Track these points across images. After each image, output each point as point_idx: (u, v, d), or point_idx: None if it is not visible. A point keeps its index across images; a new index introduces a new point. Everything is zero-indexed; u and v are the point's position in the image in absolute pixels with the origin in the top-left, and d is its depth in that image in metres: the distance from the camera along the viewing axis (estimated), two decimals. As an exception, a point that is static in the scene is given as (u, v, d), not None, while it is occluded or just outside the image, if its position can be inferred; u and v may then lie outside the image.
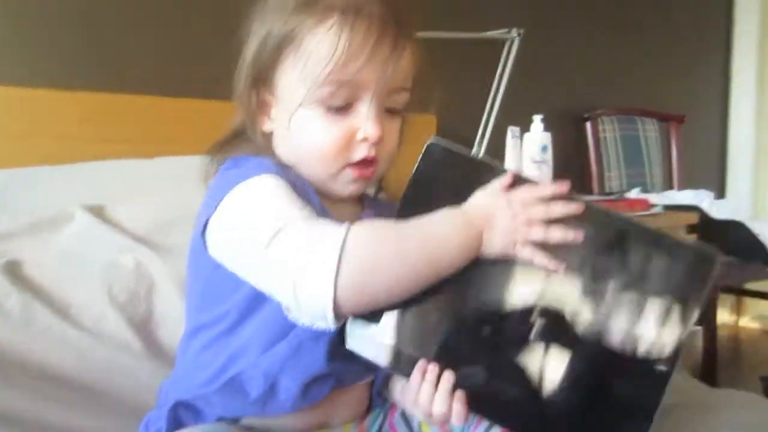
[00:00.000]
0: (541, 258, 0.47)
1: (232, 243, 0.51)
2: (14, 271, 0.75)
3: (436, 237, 0.48)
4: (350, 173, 0.56)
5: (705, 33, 2.49)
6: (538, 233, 0.47)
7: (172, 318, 0.79)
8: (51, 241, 0.84)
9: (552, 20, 1.99)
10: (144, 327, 0.77)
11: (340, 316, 0.46)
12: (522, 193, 0.49)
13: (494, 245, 0.48)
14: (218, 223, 0.52)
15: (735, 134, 2.56)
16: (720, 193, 2.53)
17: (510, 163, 1.67)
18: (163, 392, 0.61)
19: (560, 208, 0.48)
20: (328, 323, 0.46)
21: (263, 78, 0.57)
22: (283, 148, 0.58)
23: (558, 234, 0.47)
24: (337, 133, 0.54)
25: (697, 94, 2.49)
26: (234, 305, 0.53)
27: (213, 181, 0.58)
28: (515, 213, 0.48)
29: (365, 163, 0.56)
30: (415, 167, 0.52)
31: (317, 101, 0.53)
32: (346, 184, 0.57)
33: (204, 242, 0.54)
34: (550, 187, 0.49)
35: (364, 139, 0.54)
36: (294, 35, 0.54)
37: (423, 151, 0.52)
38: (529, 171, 1.64)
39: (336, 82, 0.53)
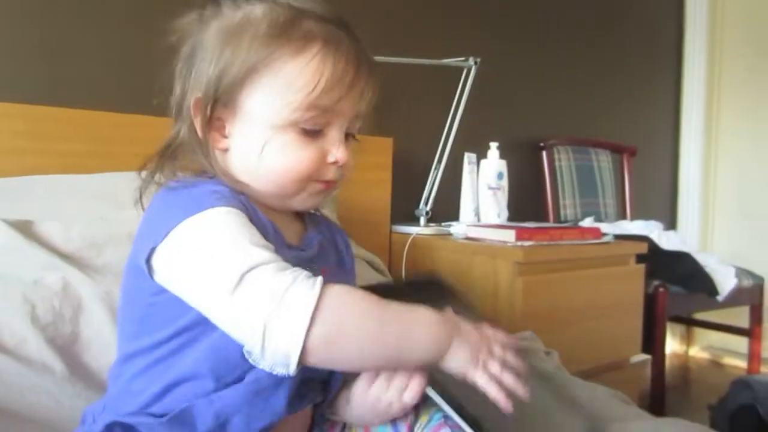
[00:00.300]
0: (495, 391, 0.51)
1: (191, 280, 0.49)
2: (-73, 289, 0.70)
3: (411, 332, 0.50)
4: (315, 190, 0.58)
5: (657, 71, 2.60)
6: (496, 367, 0.52)
7: (101, 340, 0.75)
8: (-29, 256, 0.78)
9: (508, 50, 2.05)
10: (68, 350, 0.72)
11: (301, 366, 0.47)
12: (494, 330, 0.55)
13: (458, 359, 0.51)
14: (170, 254, 0.50)
15: (684, 170, 2.66)
16: (670, 225, 2.62)
17: (466, 188, 1.69)
18: (88, 416, 0.58)
19: (515, 360, 0.53)
20: (288, 371, 0.46)
21: (224, 97, 0.56)
22: (240, 164, 0.57)
23: (510, 381, 0.52)
24: (311, 156, 0.56)
25: (649, 129, 2.58)
26: (177, 331, 0.52)
27: (156, 200, 0.55)
28: (485, 339, 0.53)
29: (329, 183, 0.59)
30: (417, 275, 0.57)
31: (293, 124, 0.55)
32: (305, 201, 0.59)
33: (149, 268, 0.51)
34: (515, 340, 0.56)
35: (334, 162, 0.57)
36: (270, 61, 0.54)
37: (429, 277, 0.60)
38: (485, 197, 1.65)
39: (317, 108, 0.55)
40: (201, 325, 0.50)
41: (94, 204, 0.92)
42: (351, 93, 0.56)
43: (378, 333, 0.49)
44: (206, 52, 0.56)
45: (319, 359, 0.47)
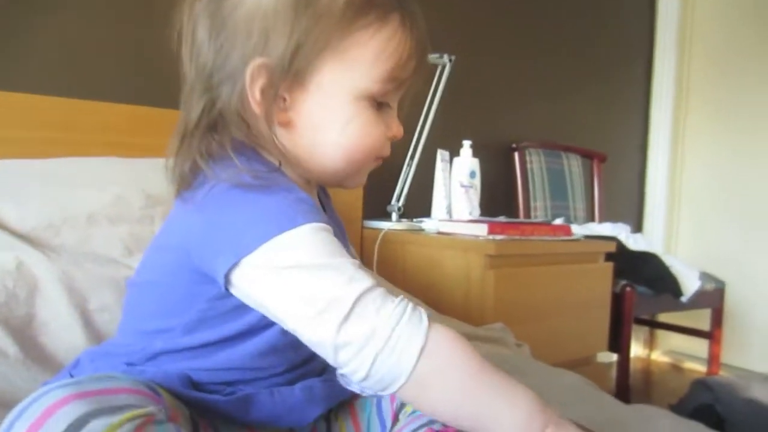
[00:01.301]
0: None
1: (289, 303, 0.45)
2: None
3: (500, 411, 0.45)
4: (372, 165, 0.58)
5: (628, 80, 2.66)
6: None
7: (58, 321, 0.72)
8: None
9: (484, 51, 2.06)
10: (22, 332, 0.69)
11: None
12: None
13: None
14: (261, 273, 0.46)
15: (652, 176, 2.72)
16: (637, 227, 2.67)
17: (439, 185, 1.69)
18: (85, 357, 0.56)
19: None
20: (381, 394, 0.46)
21: (298, 68, 0.51)
22: (302, 140, 0.53)
23: None
24: (382, 130, 0.55)
25: (619, 136, 2.64)
26: (228, 335, 0.52)
27: (227, 198, 0.48)
28: None
29: (380, 159, 0.58)
30: None
31: (370, 97, 0.53)
32: (360, 178, 0.58)
33: (226, 278, 0.46)
34: None
35: (393, 137, 0.57)
36: (353, 30, 0.51)
37: None
38: (457, 195, 1.66)
39: (396, 80, 0.53)
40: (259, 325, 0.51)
41: (51, 187, 0.88)
42: (422, 65, 0.55)
43: (466, 398, 0.44)
44: (275, 18, 0.50)
45: (405, 395, 0.45)
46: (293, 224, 0.45)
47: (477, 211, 1.66)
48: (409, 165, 1.66)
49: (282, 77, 0.50)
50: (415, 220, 1.65)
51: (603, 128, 2.55)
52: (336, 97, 0.52)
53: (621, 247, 1.78)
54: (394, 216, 1.64)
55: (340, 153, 0.54)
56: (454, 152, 1.69)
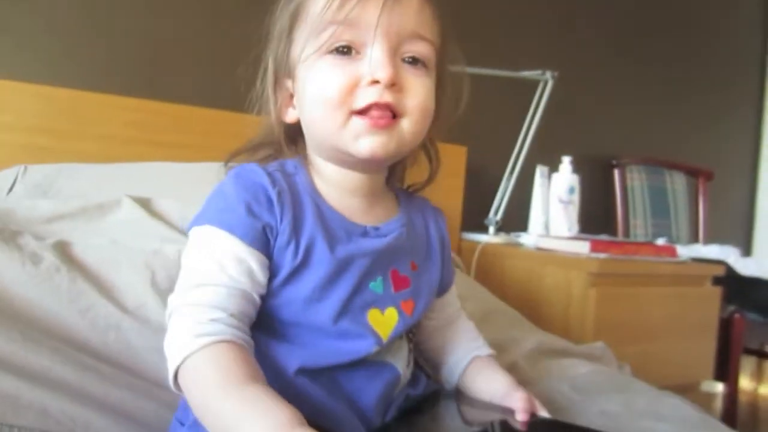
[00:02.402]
0: None
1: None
2: (64, 250, 0.78)
3: (242, 417, 0.43)
4: (358, 123, 0.51)
5: (738, 94, 2.53)
6: None
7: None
8: (98, 225, 0.88)
9: (586, 66, 2.05)
10: (180, 315, 0.79)
11: None
12: None
13: None
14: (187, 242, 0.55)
15: (763, 196, 2.55)
16: (746, 251, 2.52)
17: (537, 200, 1.70)
18: None
19: None
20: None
21: (282, 67, 0.58)
22: (303, 125, 0.57)
23: None
24: (341, 76, 0.51)
25: (726, 153, 2.51)
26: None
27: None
28: None
29: (378, 108, 0.51)
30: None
31: (321, 51, 0.52)
32: (357, 140, 0.52)
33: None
34: None
35: (374, 82, 0.51)
36: (299, 7, 0.56)
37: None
38: (555, 210, 1.66)
39: (333, 23, 0.52)
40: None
41: (201, 189, 1.00)
42: (366, 3, 0.51)
43: (209, 421, 0.45)
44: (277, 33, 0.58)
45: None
46: (206, 220, 0.53)
47: (575, 228, 1.65)
48: (508, 179, 1.69)
49: (277, 73, 0.57)
50: (512, 234, 1.67)
51: (709, 144, 2.43)
52: (303, 64, 0.54)
53: (730, 271, 1.70)
54: (491, 229, 1.67)
55: (313, 109, 0.54)
56: (554, 168, 1.69)
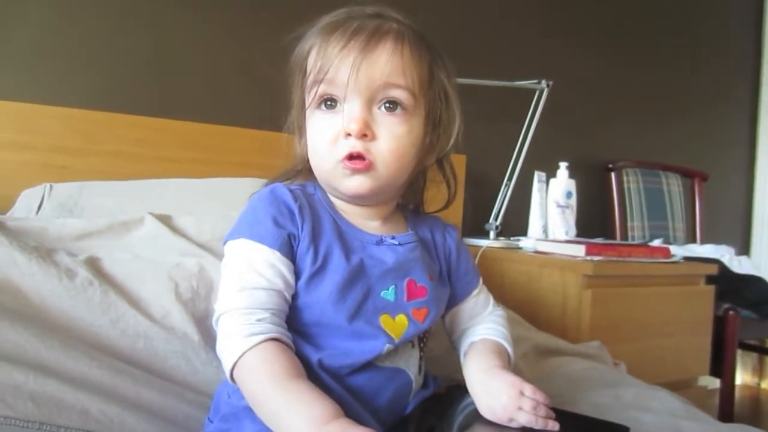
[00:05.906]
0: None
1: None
2: (94, 265, 0.85)
3: (288, 409, 0.52)
4: (343, 167, 0.61)
5: (731, 96, 2.58)
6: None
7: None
8: (124, 241, 0.94)
9: (581, 72, 2.11)
10: (202, 323, 0.85)
11: None
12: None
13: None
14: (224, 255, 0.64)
15: (760, 196, 2.60)
16: (742, 250, 2.57)
17: (535, 205, 1.76)
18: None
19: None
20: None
21: (301, 110, 0.67)
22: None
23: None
24: (327, 129, 0.62)
25: (721, 154, 2.56)
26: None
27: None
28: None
29: (353, 156, 0.60)
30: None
31: (313, 105, 0.63)
32: (343, 181, 0.62)
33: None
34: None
35: (348, 134, 0.60)
36: (303, 62, 0.65)
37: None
38: (553, 215, 1.72)
39: (317, 82, 0.61)
40: None
41: (213, 203, 1.07)
42: (342, 63, 0.59)
43: (262, 410, 0.54)
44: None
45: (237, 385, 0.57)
46: (240, 233, 0.62)
47: (573, 231, 1.71)
48: (507, 186, 1.75)
49: (298, 108, 0.67)
50: (512, 238, 1.73)
51: (704, 147, 2.48)
52: (306, 112, 0.65)
53: (724, 270, 1.75)
54: (491, 234, 1.73)
55: (312, 155, 0.65)
56: (551, 173, 1.75)
